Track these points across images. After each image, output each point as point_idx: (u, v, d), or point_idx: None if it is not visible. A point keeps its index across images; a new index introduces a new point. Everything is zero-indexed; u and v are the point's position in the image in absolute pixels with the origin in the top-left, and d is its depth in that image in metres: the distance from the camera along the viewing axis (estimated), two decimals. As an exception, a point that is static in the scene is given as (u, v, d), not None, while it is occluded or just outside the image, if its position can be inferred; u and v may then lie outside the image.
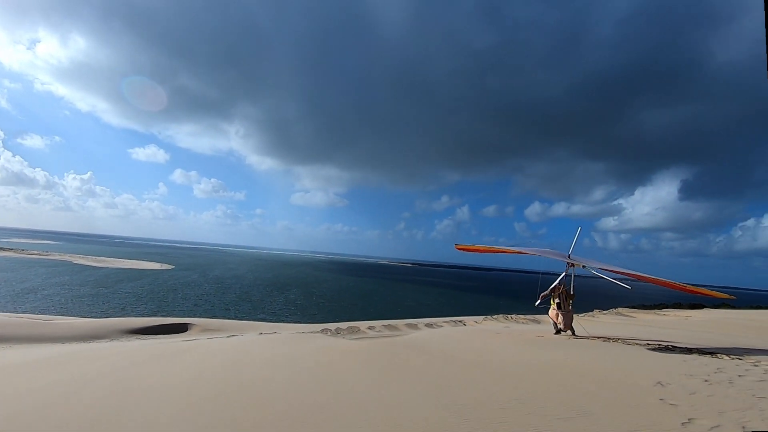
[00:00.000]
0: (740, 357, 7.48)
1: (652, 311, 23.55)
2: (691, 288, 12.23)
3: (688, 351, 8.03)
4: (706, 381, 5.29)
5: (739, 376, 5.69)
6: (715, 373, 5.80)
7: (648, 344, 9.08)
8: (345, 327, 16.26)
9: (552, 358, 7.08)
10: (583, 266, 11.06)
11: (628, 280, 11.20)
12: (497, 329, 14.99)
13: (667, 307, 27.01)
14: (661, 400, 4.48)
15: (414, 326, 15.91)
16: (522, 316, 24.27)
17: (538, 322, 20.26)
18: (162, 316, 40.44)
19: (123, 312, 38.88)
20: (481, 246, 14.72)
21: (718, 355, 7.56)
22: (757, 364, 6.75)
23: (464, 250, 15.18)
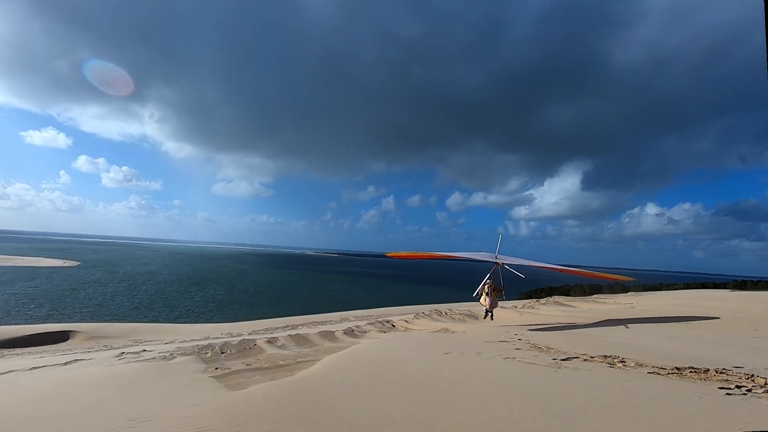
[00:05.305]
0: None
1: (590, 299, 21.45)
2: (600, 275, 15.34)
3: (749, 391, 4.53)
4: None
5: None
6: None
7: (665, 370, 5.52)
8: (236, 341, 11.23)
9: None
10: (503, 264, 12.82)
11: (527, 268, 13.33)
12: (437, 336, 11.02)
13: (586, 294, 25.57)
14: None
15: (331, 335, 11.34)
16: (456, 308, 20.85)
17: (474, 316, 16.79)
18: (54, 321, 32.32)
19: (7, 319, 30.82)
20: (412, 252, 15.66)
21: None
22: None
23: (396, 257, 16.19)
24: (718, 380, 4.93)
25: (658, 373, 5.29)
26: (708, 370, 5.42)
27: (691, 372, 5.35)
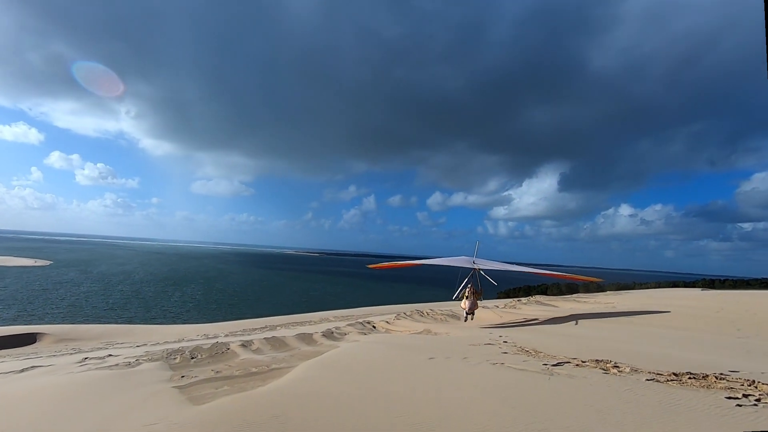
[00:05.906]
0: None
1: (570, 298, 21.40)
2: (570, 276, 16.19)
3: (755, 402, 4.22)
4: None
5: None
6: None
7: (663, 376, 5.19)
8: (209, 345, 10.50)
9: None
10: (480, 269, 13.21)
11: (499, 273, 13.44)
12: (419, 338, 10.54)
13: (563, 293, 25.69)
14: None
15: (309, 338, 10.72)
16: (437, 308, 20.45)
17: (457, 317, 16.45)
18: (23, 323, 30.46)
19: (-32, 321, 30.02)
20: (392, 263, 16.63)
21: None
22: None
23: (378, 268, 17.17)
24: (720, 388, 4.58)
25: (657, 380, 4.92)
26: (707, 375, 5.08)
27: (690, 378, 5.00)
